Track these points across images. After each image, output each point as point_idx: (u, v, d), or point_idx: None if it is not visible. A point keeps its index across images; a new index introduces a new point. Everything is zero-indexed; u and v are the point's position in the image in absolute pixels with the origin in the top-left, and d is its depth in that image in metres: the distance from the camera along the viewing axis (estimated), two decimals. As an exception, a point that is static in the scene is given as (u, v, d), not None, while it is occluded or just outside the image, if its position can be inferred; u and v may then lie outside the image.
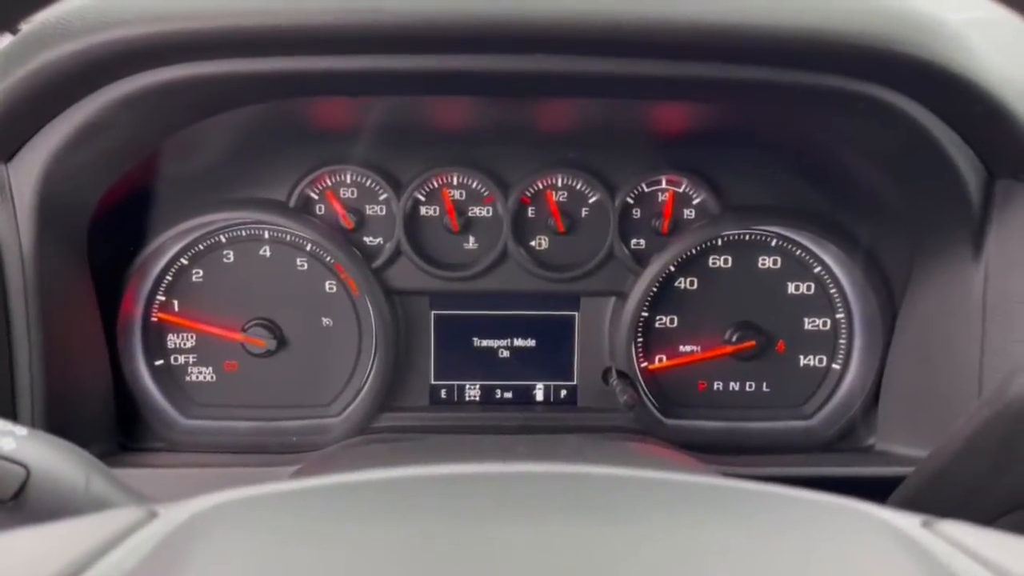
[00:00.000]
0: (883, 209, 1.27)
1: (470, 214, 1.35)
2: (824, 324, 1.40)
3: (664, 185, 1.36)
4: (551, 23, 0.91)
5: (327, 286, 1.36)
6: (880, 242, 1.33)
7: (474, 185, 1.34)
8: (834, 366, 1.40)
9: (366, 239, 1.35)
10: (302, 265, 1.35)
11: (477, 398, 1.39)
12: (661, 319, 1.39)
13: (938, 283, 1.22)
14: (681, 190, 1.36)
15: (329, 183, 1.34)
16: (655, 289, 1.37)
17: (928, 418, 1.25)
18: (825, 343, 1.41)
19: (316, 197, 1.34)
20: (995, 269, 1.15)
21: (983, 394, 1.14)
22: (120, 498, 0.69)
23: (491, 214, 1.35)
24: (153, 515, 0.51)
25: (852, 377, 1.39)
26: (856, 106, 1.01)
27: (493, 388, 1.39)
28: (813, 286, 1.39)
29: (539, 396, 1.40)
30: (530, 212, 1.36)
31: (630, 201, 1.36)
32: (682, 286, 1.39)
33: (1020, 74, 1.10)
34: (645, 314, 1.38)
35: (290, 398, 1.36)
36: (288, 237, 1.33)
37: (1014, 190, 1.12)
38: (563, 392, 1.40)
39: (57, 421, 1.08)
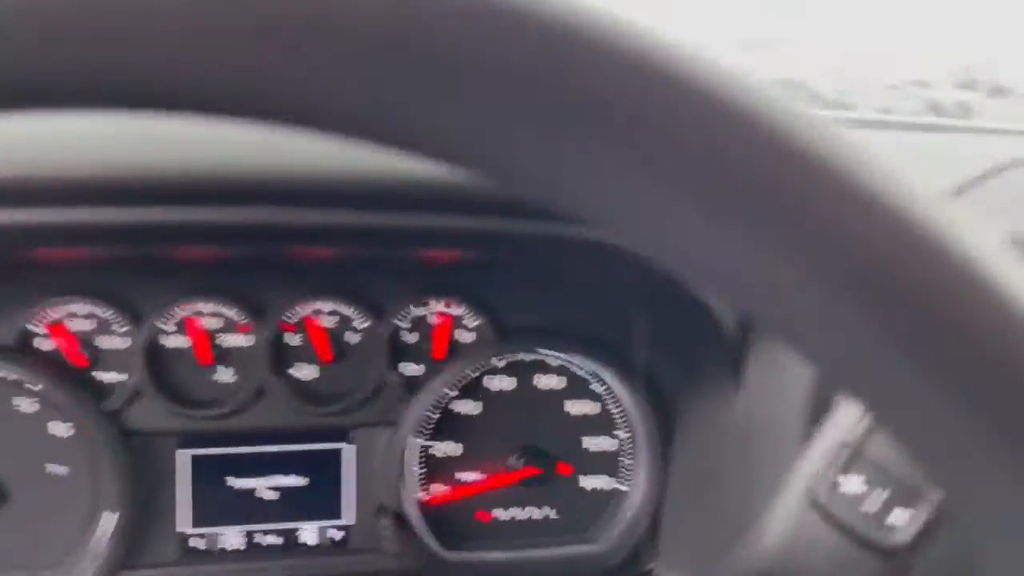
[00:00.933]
0: (653, 334, 1.26)
1: (223, 344, 1.23)
2: (609, 444, 1.37)
3: (437, 309, 1.29)
4: (265, 178, 0.83)
5: (57, 430, 1.19)
6: (656, 364, 1.32)
7: (227, 312, 1.23)
8: (619, 487, 1.37)
9: (102, 377, 1.20)
10: (26, 408, 1.18)
11: (237, 546, 1.26)
12: (441, 447, 1.31)
13: (704, 409, 1.22)
14: (455, 313, 1.30)
15: (57, 316, 1.18)
16: (432, 416, 1.29)
17: (702, 544, 1.23)
18: (610, 464, 1.37)
19: (43, 332, 1.18)
20: (755, 397, 1.15)
21: (751, 520, 1.13)
22: None
23: (248, 344, 1.24)
24: None
25: (637, 498, 1.36)
26: (588, 252, 0.99)
27: (255, 533, 1.26)
28: (597, 406, 1.36)
29: (308, 539, 1.28)
30: (292, 340, 1.25)
31: (402, 326, 1.28)
32: (462, 412, 1.32)
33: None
34: (423, 443, 1.30)
35: (12, 559, 1.18)
36: (9, 377, 1.17)
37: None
38: (334, 534, 1.29)
39: None
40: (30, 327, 1.17)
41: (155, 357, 1.21)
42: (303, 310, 1.25)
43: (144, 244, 0.98)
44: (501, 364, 1.32)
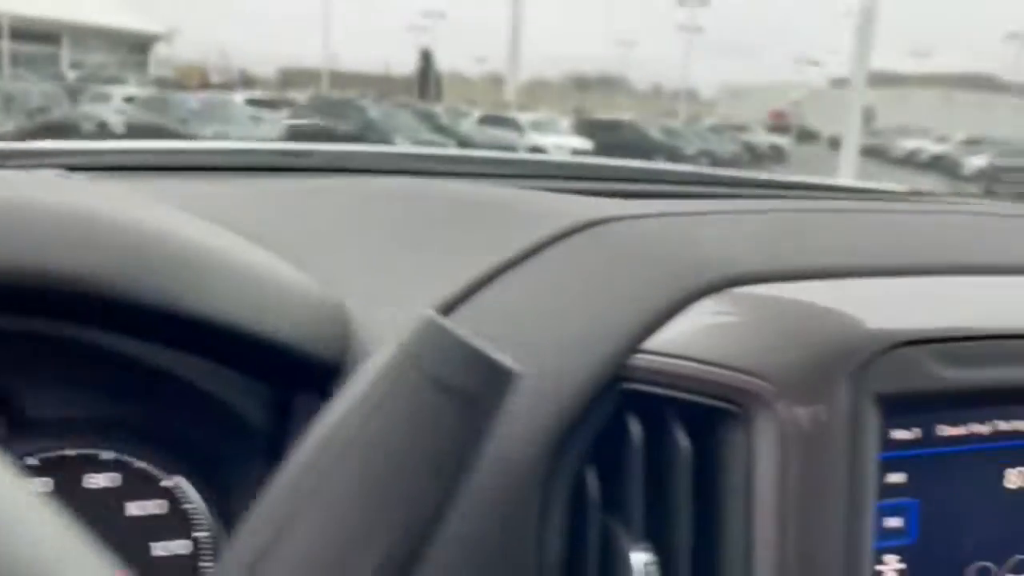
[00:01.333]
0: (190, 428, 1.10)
1: None
2: (184, 547, 1.19)
3: (-63, 398, 1.10)
4: None
5: None
6: (208, 459, 1.15)
7: None
8: (196, 598, 1.19)
9: None
10: None
11: None
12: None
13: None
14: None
15: None
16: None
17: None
18: (187, 570, 1.19)
19: None
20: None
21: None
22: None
23: None
24: None
25: (215, 610, 1.18)
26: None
27: None
28: (165, 504, 1.18)
29: None
30: None
31: None
32: (-15, 520, 1.12)
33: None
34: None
35: None
36: None
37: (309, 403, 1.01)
38: None
39: None
40: None
41: None
42: None
43: None
44: (34, 462, 1.13)
